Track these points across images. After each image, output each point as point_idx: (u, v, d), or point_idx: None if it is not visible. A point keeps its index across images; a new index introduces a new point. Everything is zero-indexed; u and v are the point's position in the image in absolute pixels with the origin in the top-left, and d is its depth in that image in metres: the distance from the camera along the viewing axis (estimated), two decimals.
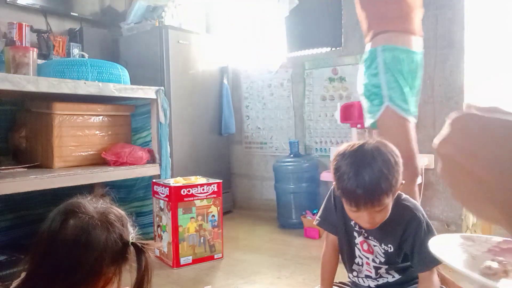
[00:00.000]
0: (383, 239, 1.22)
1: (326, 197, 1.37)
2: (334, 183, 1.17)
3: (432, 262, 1.12)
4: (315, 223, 1.40)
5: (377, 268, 1.25)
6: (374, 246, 1.24)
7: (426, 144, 2.70)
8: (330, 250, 1.37)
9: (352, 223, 1.27)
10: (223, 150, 3.52)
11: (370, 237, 1.24)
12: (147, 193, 2.46)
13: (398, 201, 1.19)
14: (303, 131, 3.26)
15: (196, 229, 2.19)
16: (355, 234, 1.28)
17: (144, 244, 0.85)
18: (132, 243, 0.84)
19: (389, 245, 1.21)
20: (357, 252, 1.28)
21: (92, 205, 0.85)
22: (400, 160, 1.13)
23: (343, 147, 1.16)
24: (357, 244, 1.28)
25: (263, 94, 3.47)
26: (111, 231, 0.81)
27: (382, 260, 1.23)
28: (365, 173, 1.06)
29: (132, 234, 0.87)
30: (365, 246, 1.26)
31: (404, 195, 1.24)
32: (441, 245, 0.86)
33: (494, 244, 0.92)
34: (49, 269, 0.79)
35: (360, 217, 1.13)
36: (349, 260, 1.32)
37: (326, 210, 1.37)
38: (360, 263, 1.29)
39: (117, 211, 0.87)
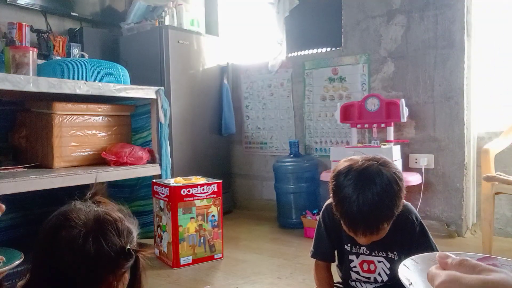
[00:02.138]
0: (388, 247, 1.20)
1: (316, 226, 1.33)
2: (332, 203, 1.14)
3: None
4: (310, 255, 1.34)
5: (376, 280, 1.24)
6: (379, 262, 1.21)
7: (426, 144, 2.70)
8: (323, 271, 1.32)
9: (347, 246, 1.25)
10: (223, 150, 3.52)
11: (374, 252, 1.21)
12: (149, 192, 2.46)
13: None
14: (303, 131, 3.26)
15: (196, 229, 2.19)
16: (351, 257, 1.25)
17: (136, 250, 0.84)
18: (128, 250, 0.83)
19: (395, 252, 1.19)
20: (353, 275, 1.26)
21: (86, 211, 0.84)
22: (403, 183, 1.09)
23: (343, 164, 1.11)
24: (355, 267, 1.25)
25: (263, 94, 3.47)
26: (103, 241, 0.80)
27: (385, 277, 1.21)
28: (366, 201, 1.02)
29: (133, 234, 0.86)
30: (365, 266, 1.23)
31: None
32: (410, 267, 0.85)
33: (474, 260, 0.92)
34: (47, 278, 0.79)
35: (356, 236, 1.13)
36: (345, 279, 1.31)
37: (318, 239, 1.32)
38: (357, 285, 1.27)
39: (112, 216, 0.85)
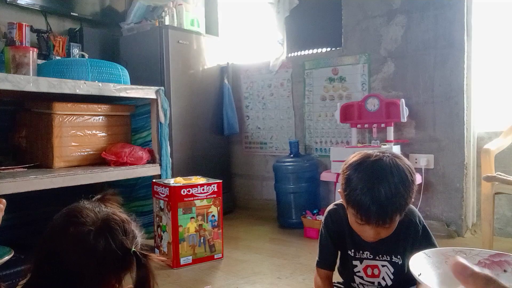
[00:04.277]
0: (391, 251, 1.18)
1: (319, 236, 1.31)
2: (341, 194, 1.13)
3: None
4: (316, 265, 1.30)
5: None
6: (383, 266, 1.20)
7: (426, 144, 2.70)
8: (325, 281, 1.30)
9: (351, 252, 1.23)
10: (223, 150, 3.52)
11: (378, 256, 1.20)
12: (149, 192, 2.46)
13: None
14: (303, 131, 3.26)
15: (196, 229, 2.19)
16: (355, 262, 1.23)
17: (145, 254, 0.83)
18: (134, 252, 0.82)
19: (398, 256, 1.18)
20: (357, 280, 1.25)
21: (94, 209, 0.84)
22: (416, 178, 1.10)
23: (355, 157, 1.11)
24: (359, 272, 1.24)
25: (263, 94, 3.47)
26: (111, 240, 0.80)
27: (389, 282, 1.20)
28: (382, 188, 1.02)
29: (137, 238, 0.85)
30: (369, 271, 1.22)
31: None
32: (421, 259, 0.85)
33: (486, 256, 0.92)
34: (50, 276, 0.79)
35: (364, 231, 1.10)
36: (347, 281, 1.30)
37: (322, 248, 1.29)
38: None
39: (120, 217, 0.85)
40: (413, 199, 1.09)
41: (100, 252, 0.79)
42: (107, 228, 0.81)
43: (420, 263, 0.84)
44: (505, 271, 0.88)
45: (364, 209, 1.04)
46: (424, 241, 1.15)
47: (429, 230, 1.19)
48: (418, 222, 1.18)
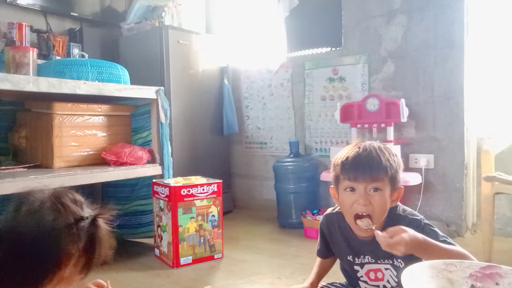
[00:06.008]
0: (392, 255, 1.16)
1: (318, 236, 1.40)
2: (332, 170, 1.21)
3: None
4: (317, 254, 1.42)
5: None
6: (386, 269, 1.20)
7: (426, 144, 2.70)
8: (317, 261, 1.41)
9: (350, 257, 1.24)
10: (223, 150, 3.52)
11: (379, 260, 1.20)
12: (149, 192, 2.46)
13: (395, 214, 1.19)
14: (303, 131, 3.26)
15: (196, 229, 2.19)
16: (356, 268, 1.24)
17: (97, 214, 0.88)
18: (86, 217, 0.86)
19: (399, 260, 1.17)
20: (363, 285, 1.25)
21: (42, 189, 0.88)
22: (401, 162, 1.18)
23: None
24: (362, 277, 1.24)
25: (263, 94, 3.47)
26: (64, 210, 0.84)
27: (394, 284, 1.20)
28: (367, 150, 1.14)
29: (90, 212, 0.89)
30: (372, 275, 1.22)
31: (401, 206, 1.22)
32: (412, 275, 0.86)
33: (477, 269, 0.91)
34: (13, 257, 0.81)
35: (355, 200, 1.13)
36: (353, 286, 1.31)
37: (322, 242, 1.39)
38: None
39: (72, 194, 0.90)
40: (398, 173, 1.16)
41: (54, 223, 0.82)
42: (57, 199, 0.85)
43: (413, 278, 0.84)
44: (497, 284, 0.87)
45: (352, 165, 1.12)
46: (428, 229, 1.14)
47: (432, 226, 1.17)
48: (419, 218, 1.18)
